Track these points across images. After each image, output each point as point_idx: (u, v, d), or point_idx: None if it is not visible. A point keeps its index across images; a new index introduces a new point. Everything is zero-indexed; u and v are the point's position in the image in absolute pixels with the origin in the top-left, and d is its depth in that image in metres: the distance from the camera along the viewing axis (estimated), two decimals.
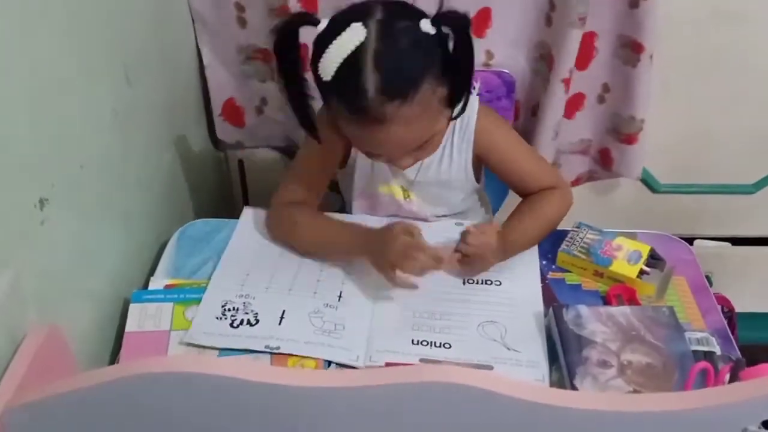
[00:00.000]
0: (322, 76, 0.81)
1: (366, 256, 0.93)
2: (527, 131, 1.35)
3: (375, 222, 1.04)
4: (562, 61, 1.19)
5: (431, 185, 1.03)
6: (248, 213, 1.07)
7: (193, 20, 1.25)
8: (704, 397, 0.51)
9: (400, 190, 1.04)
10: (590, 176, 1.43)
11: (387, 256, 0.88)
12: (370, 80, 0.78)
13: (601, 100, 1.32)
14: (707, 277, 0.98)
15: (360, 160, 1.02)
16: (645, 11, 1.16)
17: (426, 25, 0.80)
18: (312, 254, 0.98)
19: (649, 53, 1.20)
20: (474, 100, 0.95)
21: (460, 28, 0.80)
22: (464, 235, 0.93)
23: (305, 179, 1.02)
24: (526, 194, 1.02)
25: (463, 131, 0.98)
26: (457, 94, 0.86)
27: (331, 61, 0.79)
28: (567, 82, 1.21)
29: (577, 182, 1.43)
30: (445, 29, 0.80)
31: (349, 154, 1.02)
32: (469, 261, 0.93)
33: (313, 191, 1.02)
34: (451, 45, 0.81)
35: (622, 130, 1.31)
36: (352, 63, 0.78)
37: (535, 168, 1.01)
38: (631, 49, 1.22)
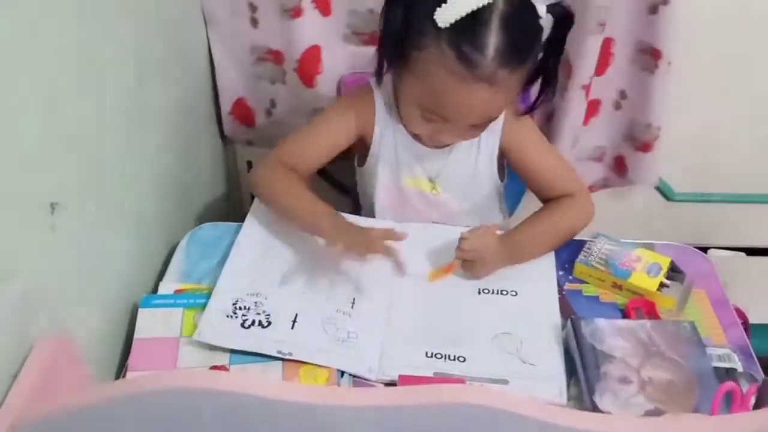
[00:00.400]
0: (438, 20, 0.79)
1: (337, 239, 0.91)
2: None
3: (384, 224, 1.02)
4: (581, 68, 1.18)
5: (458, 176, 1.01)
6: (258, 206, 1.05)
7: (205, 20, 1.23)
8: (743, 423, 0.49)
9: (427, 182, 1.02)
10: (604, 184, 1.41)
11: (352, 248, 0.90)
12: (493, 39, 0.79)
13: (617, 106, 1.30)
14: None
15: (384, 151, 1.00)
16: (664, 17, 1.15)
17: (541, 8, 0.82)
18: (289, 223, 0.98)
19: (668, 60, 1.18)
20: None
21: (564, 24, 0.83)
22: (460, 240, 0.92)
23: (310, 141, 1.00)
24: (545, 195, 1.00)
25: (492, 124, 0.96)
26: (543, 82, 0.89)
27: (456, 9, 0.78)
28: (587, 88, 1.19)
29: (591, 189, 1.41)
30: (548, 18, 0.83)
31: (370, 143, 1.00)
32: (469, 265, 0.93)
33: (311, 157, 1.01)
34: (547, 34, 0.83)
35: (638, 137, 1.29)
36: (479, 18, 0.78)
37: (558, 170, 1.00)
38: (649, 56, 1.20)
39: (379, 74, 0.92)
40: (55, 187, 0.72)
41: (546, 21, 0.83)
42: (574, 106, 1.23)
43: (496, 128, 0.97)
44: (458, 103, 0.84)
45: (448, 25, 0.79)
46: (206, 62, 1.27)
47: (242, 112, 1.35)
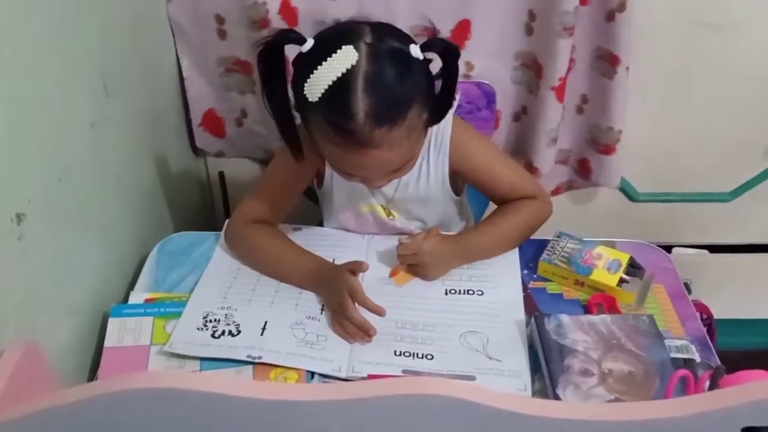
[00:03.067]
0: (308, 96, 0.80)
1: (317, 292, 0.95)
2: (513, 140, 1.37)
3: (355, 240, 1.05)
4: (550, 69, 1.21)
5: (410, 201, 1.03)
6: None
7: (173, 32, 1.24)
8: (685, 405, 0.52)
9: (382, 209, 1.04)
10: (570, 185, 1.44)
11: (330, 304, 0.91)
12: (361, 105, 0.78)
13: (579, 110, 1.33)
14: (686, 284, 0.99)
15: (337, 182, 1.01)
16: (620, 24, 1.18)
17: (415, 50, 0.81)
18: (272, 277, 0.98)
19: (625, 65, 1.22)
20: (448, 114, 0.94)
21: (450, 57, 0.82)
22: (398, 246, 0.94)
23: (271, 195, 1.01)
24: (503, 204, 1.03)
25: (439, 145, 0.98)
26: (440, 117, 0.88)
27: (320, 82, 0.79)
28: (557, 90, 1.22)
29: (557, 192, 1.44)
30: (430, 54, 0.81)
31: (324, 173, 1.01)
32: (416, 269, 0.96)
33: (277, 209, 1.02)
34: (434, 69, 0.82)
35: (600, 141, 1.33)
36: (343, 86, 0.78)
37: (513, 178, 1.02)
38: (607, 61, 1.23)
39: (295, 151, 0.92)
40: (20, 198, 0.73)
41: (424, 57, 0.82)
42: (546, 107, 1.26)
43: (443, 150, 0.98)
44: (355, 167, 0.85)
45: (317, 99, 0.79)
46: (175, 74, 1.28)
47: (212, 123, 1.36)
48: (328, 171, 1.00)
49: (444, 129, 0.97)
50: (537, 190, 1.03)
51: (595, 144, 1.34)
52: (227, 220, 1.04)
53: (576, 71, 1.27)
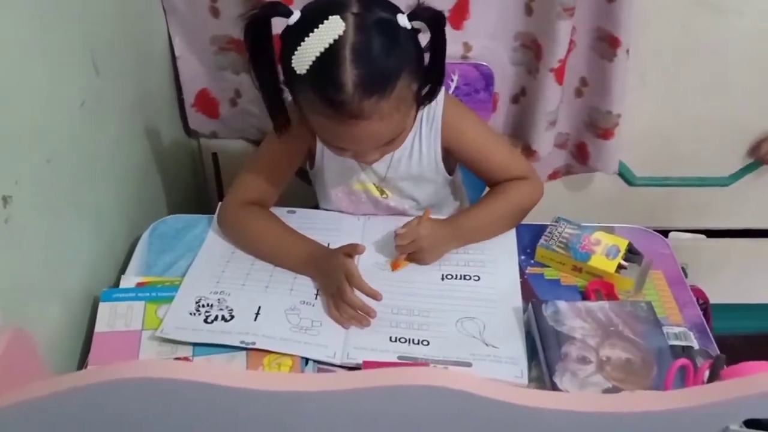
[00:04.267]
0: (295, 69, 0.79)
1: (312, 276, 0.93)
2: (511, 122, 1.35)
3: (350, 223, 1.03)
4: (550, 52, 1.19)
5: (403, 180, 1.01)
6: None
7: (164, 9, 1.21)
8: (685, 397, 0.51)
9: (375, 188, 1.02)
10: (567, 170, 1.43)
11: (327, 289, 0.90)
12: (349, 75, 0.76)
13: (578, 93, 1.31)
14: (682, 268, 0.99)
15: (328, 160, 0.99)
16: (621, 5, 1.16)
17: (403, 20, 0.79)
18: (268, 261, 0.96)
19: (626, 47, 1.20)
20: (441, 92, 0.92)
21: (436, 25, 0.80)
22: (395, 237, 0.93)
23: (264, 176, 0.99)
24: (495, 184, 1.02)
25: (431, 123, 0.97)
26: (430, 89, 0.86)
27: (307, 54, 0.77)
28: (556, 71, 1.20)
29: (555, 176, 1.43)
30: (417, 24, 0.79)
31: (315, 152, 1.00)
32: (414, 256, 0.95)
33: (270, 190, 1.00)
34: (423, 40, 0.81)
35: (598, 125, 1.31)
36: (331, 57, 0.76)
37: (504, 158, 1.01)
38: (607, 43, 1.21)
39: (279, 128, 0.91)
40: (7, 180, 0.71)
41: (417, 26, 0.81)
42: (544, 88, 1.24)
43: (435, 127, 0.97)
44: (351, 137, 0.83)
45: (305, 71, 0.78)
46: (167, 53, 1.26)
47: (206, 103, 1.34)
48: (320, 148, 0.98)
49: (436, 107, 0.95)
50: (528, 172, 1.02)
51: (594, 128, 1.32)
52: (220, 204, 1.02)
53: (576, 53, 1.25)
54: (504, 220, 1.00)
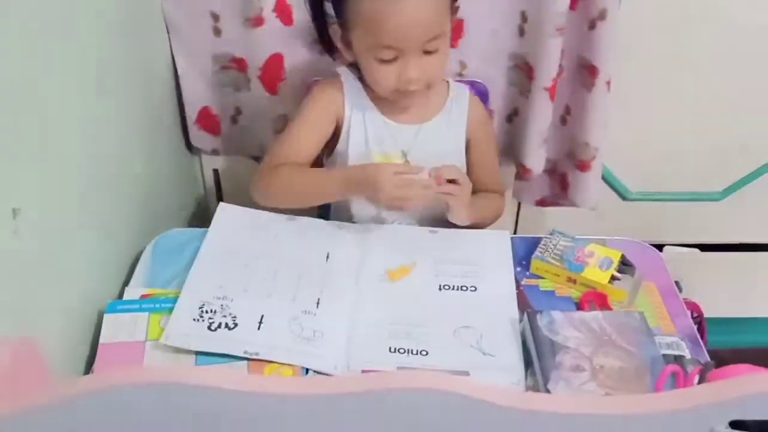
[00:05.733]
0: None
1: (360, 194, 0.97)
2: (504, 140, 1.37)
3: (350, 231, 1.05)
4: (543, 71, 1.20)
5: (428, 152, 1.05)
6: (224, 209, 1.07)
7: (167, 29, 1.24)
8: (673, 399, 0.52)
9: (400, 158, 1.05)
10: (553, 200, 1.42)
11: (380, 195, 0.92)
12: None
13: (563, 121, 1.32)
14: (677, 282, 1.01)
15: (354, 132, 1.04)
16: (601, 34, 1.16)
17: None
18: (305, 204, 1.02)
19: (605, 78, 1.20)
20: (465, 87, 1.07)
21: None
22: (435, 170, 0.96)
23: (295, 145, 1.04)
24: (476, 190, 1.07)
25: (460, 107, 1.06)
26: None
27: None
28: (549, 90, 1.22)
29: (542, 203, 1.43)
30: None
31: (342, 124, 1.05)
32: (446, 205, 0.98)
33: (304, 151, 1.04)
34: None
35: (576, 155, 1.30)
36: None
37: (495, 170, 1.10)
38: (587, 72, 1.22)
39: (331, 51, 1.04)
40: (17, 193, 0.73)
41: None
42: (538, 107, 1.25)
43: (462, 113, 1.05)
44: (395, 21, 0.90)
45: None
46: (170, 71, 1.28)
47: (208, 120, 1.36)
48: (347, 115, 1.04)
49: (463, 96, 1.08)
50: (503, 189, 1.13)
51: (573, 158, 1.32)
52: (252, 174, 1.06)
53: (563, 79, 1.26)
54: (485, 220, 1.08)
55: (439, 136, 1.05)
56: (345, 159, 1.06)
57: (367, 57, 0.96)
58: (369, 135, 1.04)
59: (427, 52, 0.94)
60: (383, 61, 0.95)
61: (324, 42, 1.04)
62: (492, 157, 1.09)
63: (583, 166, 1.30)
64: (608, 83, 1.21)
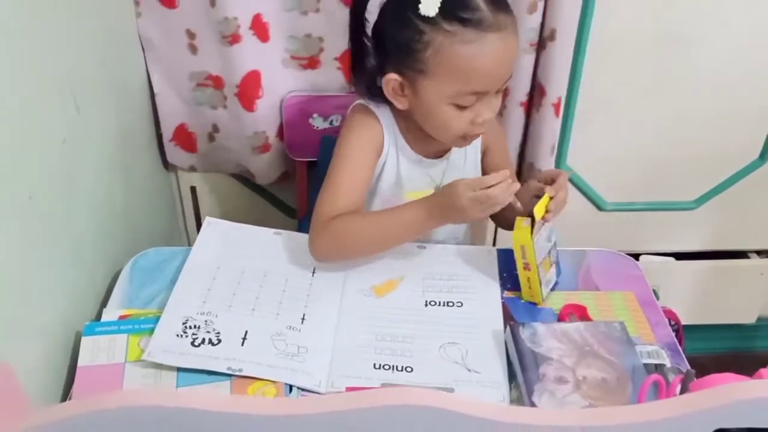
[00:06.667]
0: (425, 13, 0.86)
1: (441, 222, 0.94)
2: None
3: None
4: (516, 86, 1.23)
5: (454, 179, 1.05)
6: (210, 224, 1.06)
7: (143, 47, 1.24)
8: (657, 409, 0.53)
9: (432, 191, 1.03)
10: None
11: (468, 213, 0.89)
12: None
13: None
14: (654, 291, 1.02)
15: (387, 170, 1.02)
16: (550, 56, 1.20)
17: None
18: (382, 250, 0.99)
19: (551, 101, 1.23)
20: None
21: None
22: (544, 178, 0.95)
23: (353, 194, 0.97)
24: None
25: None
26: None
27: None
28: (524, 105, 1.24)
29: None
30: None
31: (380, 155, 1.02)
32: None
33: (358, 196, 0.98)
34: None
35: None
36: None
37: (512, 167, 1.11)
38: (538, 93, 1.25)
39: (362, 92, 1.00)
40: None
41: None
42: (513, 121, 1.29)
43: None
44: (489, 64, 0.88)
45: (437, 10, 0.86)
46: (146, 89, 1.28)
47: (184, 138, 1.36)
48: (384, 153, 1.01)
49: None
50: None
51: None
52: (311, 222, 0.98)
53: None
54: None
55: (461, 161, 1.05)
56: (372, 197, 1.04)
57: (442, 105, 0.91)
58: (401, 172, 1.02)
59: (497, 92, 0.93)
60: (461, 107, 0.91)
61: (357, 83, 0.99)
62: (507, 155, 1.10)
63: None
64: (554, 105, 1.24)
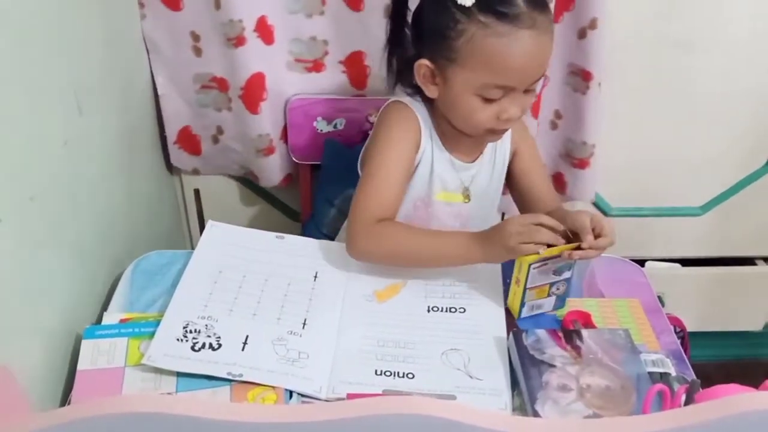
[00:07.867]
0: (462, 2, 0.86)
1: (482, 253, 0.92)
2: None
3: (338, 250, 1.03)
4: None
5: (483, 183, 1.06)
6: (212, 227, 1.05)
7: (147, 49, 1.23)
8: (666, 420, 0.52)
9: (461, 194, 1.04)
10: None
11: (516, 250, 0.88)
12: None
13: (553, 126, 1.36)
14: (659, 297, 1.01)
15: (421, 168, 1.01)
16: (592, 41, 1.21)
17: None
18: (417, 267, 0.98)
19: (598, 81, 1.25)
20: None
21: None
22: (594, 222, 0.92)
23: (393, 193, 0.98)
24: (531, 207, 1.05)
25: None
26: None
27: None
28: (532, 107, 1.25)
29: None
30: None
31: (416, 155, 1.01)
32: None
33: (397, 204, 0.99)
34: None
35: (574, 155, 1.35)
36: None
37: (545, 169, 1.08)
38: (580, 77, 1.26)
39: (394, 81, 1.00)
40: None
41: None
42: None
43: (506, 135, 1.03)
44: (518, 60, 0.87)
45: (474, 0, 0.86)
46: (149, 91, 1.27)
47: (188, 140, 1.35)
48: (421, 151, 1.01)
49: None
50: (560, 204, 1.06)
51: (570, 158, 1.36)
52: (347, 230, 0.98)
53: (550, 88, 1.30)
54: None
55: (491, 165, 1.05)
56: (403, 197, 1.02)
57: (469, 95, 0.91)
58: (435, 170, 1.01)
59: (527, 91, 0.92)
60: (487, 100, 0.91)
61: (390, 71, 1.00)
62: (539, 158, 1.08)
63: (582, 164, 1.36)
64: (600, 84, 1.26)
